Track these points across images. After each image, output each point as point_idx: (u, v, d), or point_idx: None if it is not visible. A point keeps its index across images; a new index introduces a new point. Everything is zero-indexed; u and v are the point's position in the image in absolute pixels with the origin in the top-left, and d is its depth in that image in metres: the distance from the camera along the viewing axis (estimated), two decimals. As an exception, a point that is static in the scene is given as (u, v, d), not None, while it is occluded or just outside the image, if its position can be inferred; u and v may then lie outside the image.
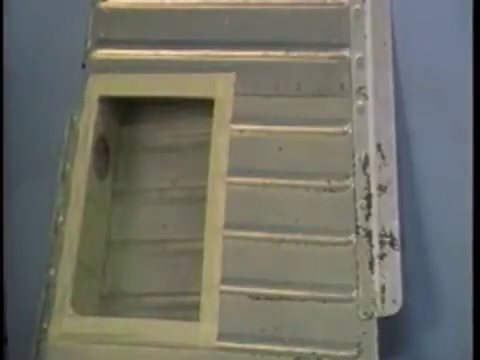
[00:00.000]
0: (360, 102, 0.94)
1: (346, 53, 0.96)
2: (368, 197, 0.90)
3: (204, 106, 0.97)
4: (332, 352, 0.87)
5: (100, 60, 1.01)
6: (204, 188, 0.94)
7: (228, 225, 0.92)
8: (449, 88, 1.02)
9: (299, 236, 0.91)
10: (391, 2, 0.97)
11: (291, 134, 0.94)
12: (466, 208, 0.90)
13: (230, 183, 0.93)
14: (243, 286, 0.89)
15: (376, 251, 0.89)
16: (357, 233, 0.90)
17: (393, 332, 0.96)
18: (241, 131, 0.95)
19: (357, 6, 0.97)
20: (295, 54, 0.97)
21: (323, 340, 0.87)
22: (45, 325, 0.92)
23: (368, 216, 0.90)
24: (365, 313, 0.87)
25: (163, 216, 1.01)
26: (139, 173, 1.02)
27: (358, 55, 0.95)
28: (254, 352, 0.88)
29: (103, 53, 1.01)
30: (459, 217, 0.97)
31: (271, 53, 0.98)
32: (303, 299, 0.89)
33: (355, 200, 0.91)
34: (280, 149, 0.94)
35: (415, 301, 0.94)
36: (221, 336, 0.88)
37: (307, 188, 0.92)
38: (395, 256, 0.88)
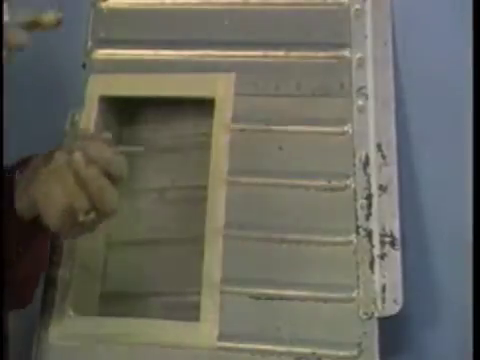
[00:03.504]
0: (360, 102, 0.94)
1: (346, 53, 0.96)
2: (369, 197, 0.90)
3: (204, 106, 0.97)
4: (333, 352, 0.87)
5: (100, 60, 1.01)
6: (204, 188, 0.94)
7: (228, 225, 0.92)
8: (449, 87, 1.02)
9: (299, 236, 0.91)
10: (391, 2, 0.97)
11: (291, 134, 0.94)
12: (466, 208, 0.90)
13: (230, 183, 0.93)
14: (243, 286, 0.89)
15: (377, 251, 0.89)
16: (357, 233, 0.90)
17: (394, 332, 0.96)
18: (241, 131, 0.95)
19: (357, 6, 0.97)
20: (295, 54, 0.97)
21: (324, 340, 0.87)
22: (45, 325, 0.92)
23: (368, 216, 0.90)
24: (366, 313, 0.87)
25: (163, 216, 1.00)
26: (139, 173, 1.02)
27: (358, 55, 0.95)
28: (254, 352, 0.88)
29: (103, 53, 1.01)
30: (459, 217, 0.97)
31: (271, 53, 0.98)
32: (304, 299, 0.89)
33: (355, 200, 0.91)
34: (280, 149, 0.94)
35: (416, 301, 0.93)
36: (221, 336, 0.88)
37: (307, 188, 0.92)
38: (396, 256, 0.88)
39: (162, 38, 1.00)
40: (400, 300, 0.87)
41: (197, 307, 0.89)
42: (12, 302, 0.82)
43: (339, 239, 0.90)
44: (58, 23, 0.73)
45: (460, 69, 0.97)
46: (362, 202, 0.90)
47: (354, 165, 0.92)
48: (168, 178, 1.01)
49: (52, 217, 0.76)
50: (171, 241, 0.99)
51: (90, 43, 1.01)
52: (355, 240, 0.89)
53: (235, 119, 0.95)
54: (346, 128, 0.94)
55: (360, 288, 0.88)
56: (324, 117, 0.94)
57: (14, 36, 0.71)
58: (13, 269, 0.80)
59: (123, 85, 0.99)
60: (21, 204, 0.79)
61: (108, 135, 0.79)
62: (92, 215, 0.75)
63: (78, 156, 0.74)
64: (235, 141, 0.95)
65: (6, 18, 0.70)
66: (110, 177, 0.76)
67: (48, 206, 0.76)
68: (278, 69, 0.97)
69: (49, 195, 0.75)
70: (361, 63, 0.95)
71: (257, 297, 0.89)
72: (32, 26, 0.73)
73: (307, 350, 0.87)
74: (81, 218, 0.75)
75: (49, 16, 0.73)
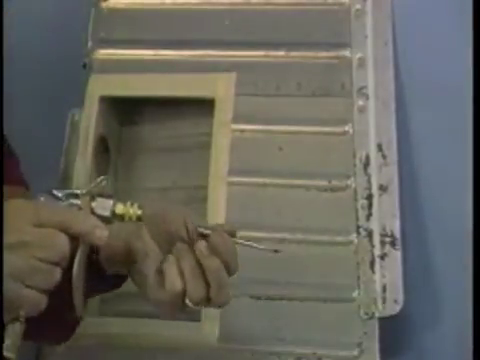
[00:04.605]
0: (361, 102, 0.94)
1: (347, 53, 0.96)
2: (369, 197, 0.90)
3: (205, 106, 0.97)
4: (333, 352, 0.87)
5: (101, 60, 1.01)
6: (204, 188, 0.94)
7: (228, 225, 0.92)
8: (449, 87, 1.02)
9: (300, 236, 0.91)
10: (392, 2, 0.97)
11: (292, 134, 0.94)
12: (466, 208, 0.90)
13: (230, 183, 0.93)
14: (244, 286, 0.89)
15: (377, 251, 0.89)
16: (358, 233, 0.90)
17: (394, 332, 0.96)
18: (242, 131, 0.95)
19: (358, 6, 0.97)
20: (295, 54, 0.97)
21: (324, 340, 0.87)
22: (46, 325, 0.92)
23: (369, 216, 0.90)
24: (366, 313, 0.87)
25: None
26: (139, 173, 1.02)
27: (359, 55, 0.95)
28: (254, 352, 0.88)
29: (104, 53, 1.01)
30: (460, 217, 0.97)
31: (271, 53, 0.98)
32: (304, 299, 0.89)
33: (356, 200, 0.91)
34: (281, 149, 0.94)
35: (416, 301, 0.94)
36: (222, 336, 0.88)
37: (308, 188, 0.92)
38: (396, 256, 0.88)
39: (162, 38, 1.00)
40: (400, 300, 0.87)
41: (198, 307, 0.89)
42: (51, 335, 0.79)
43: (339, 239, 0.90)
44: (139, 218, 0.71)
45: (460, 69, 0.97)
46: (362, 202, 0.90)
47: (354, 165, 0.92)
48: (169, 178, 1.01)
49: (156, 295, 0.71)
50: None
51: (90, 43, 1.01)
52: (355, 240, 0.89)
53: (235, 119, 0.95)
54: (346, 128, 0.94)
55: (361, 288, 0.88)
56: (324, 117, 0.94)
57: (95, 233, 0.67)
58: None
59: (123, 85, 0.99)
60: (110, 255, 0.74)
61: (233, 227, 0.75)
62: (201, 306, 0.70)
63: (203, 245, 0.69)
64: (235, 141, 0.95)
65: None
66: (226, 270, 0.71)
67: (155, 283, 0.71)
68: (278, 69, 0.97)
69: (161, 273, 0.71)
70: (361, 63, 0.95)
71: (257, 297, 0.89)
72: (115, 219, 0.70)
73: (307, 350, 0.87)
74: (191, 305, 0.70)
75: (134, 210, 0.70)
